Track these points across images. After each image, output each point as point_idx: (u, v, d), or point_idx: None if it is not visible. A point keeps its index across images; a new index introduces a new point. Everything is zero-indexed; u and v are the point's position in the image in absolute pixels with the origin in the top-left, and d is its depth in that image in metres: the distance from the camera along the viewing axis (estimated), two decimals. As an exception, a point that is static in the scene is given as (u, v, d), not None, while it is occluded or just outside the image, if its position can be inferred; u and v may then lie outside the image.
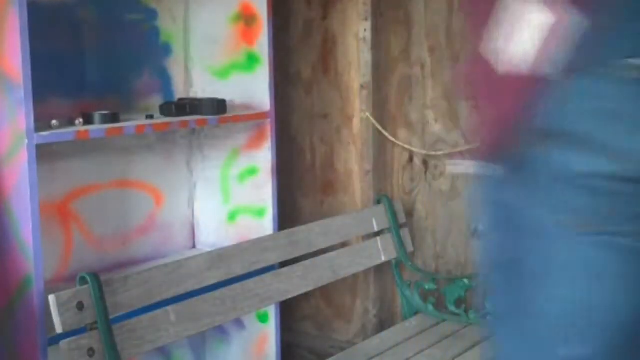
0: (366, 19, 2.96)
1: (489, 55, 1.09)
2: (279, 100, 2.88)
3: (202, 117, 2.59)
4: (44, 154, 2.25)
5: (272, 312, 2.83)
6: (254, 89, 2.80)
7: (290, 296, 2.62)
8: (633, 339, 1.06)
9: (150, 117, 2.49)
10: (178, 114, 2.54)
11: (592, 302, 1.05)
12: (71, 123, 2.30)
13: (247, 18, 2.79)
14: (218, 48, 2.87)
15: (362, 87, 2.99)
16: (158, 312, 2.18)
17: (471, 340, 2.68)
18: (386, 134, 2.99)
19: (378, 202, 2.99)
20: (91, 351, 1.97)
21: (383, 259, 2.94)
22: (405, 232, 3.01)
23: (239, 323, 2.90)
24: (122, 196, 2.74)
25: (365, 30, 2.97)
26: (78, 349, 1.95)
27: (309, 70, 3.16)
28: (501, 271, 1.14)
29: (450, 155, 2.91)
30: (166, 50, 2.87)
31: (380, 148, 3.03)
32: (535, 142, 1.06)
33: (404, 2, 2.97)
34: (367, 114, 2.98)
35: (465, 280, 2.85)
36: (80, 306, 1.96)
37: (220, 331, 2.94)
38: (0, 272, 2.18)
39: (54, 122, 2.21)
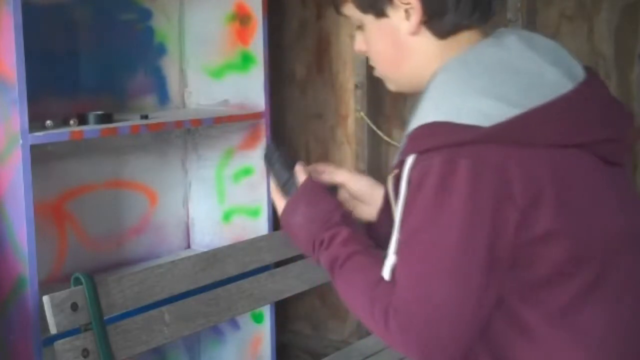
0: (361, 19, 2.96)
1: None
2: (273, 100, 2.88)
3: (197, 118, 2.59)
4: (38, 155, 2.25)
5: (266, 312, 2.83)
6: (249, 88, 2.80)
7: (285, 296, 2.62)
8: None
9: (145, 117, 2.49)
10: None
11: None
12: (65, 123, 2.29)
13: (241, 18, 2.79)
14: (213, 48, 2.87)
15: (356, 86, 2.99)
16: (152, 312, 2.18)
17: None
18: (381, 133, 2.99)
19: (373, 202, 2.98)
20: (85, 352, 1.97)
21: (378, 258, 2.94)
22: (400, 232, 3.00)
23: (233, 323, 2.90)
24: (117, 196, 2.74)
25: (359, 30, 2.96)
26: (72, 350, 1.95)
27: (304, 70, 3.16)
28: None
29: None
30: (161, 50, 2.87)
31: (375, 148, 3.03)
32: None
33: (399, 2, 2.97)
34: (362, 113, 2.98)
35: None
36: (75, 307, 1.95)
37: (215, 331, 2.94)
38: (-6, 272, 2.18)
39: (48, 122, 2.21)
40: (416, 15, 1.33)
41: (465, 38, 1.36)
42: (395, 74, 1.44)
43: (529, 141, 1.22)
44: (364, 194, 1.60)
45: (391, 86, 1.47)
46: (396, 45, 1.38)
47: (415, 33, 1.35)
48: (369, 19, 1.39)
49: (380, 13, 1.37)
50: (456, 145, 1.21)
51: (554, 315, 1.25)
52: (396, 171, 1.32)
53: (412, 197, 1.26)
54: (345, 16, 1.45)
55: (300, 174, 1.53)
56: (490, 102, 1.22)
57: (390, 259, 1.31)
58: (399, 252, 1.29)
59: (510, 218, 1.20)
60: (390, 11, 1.36)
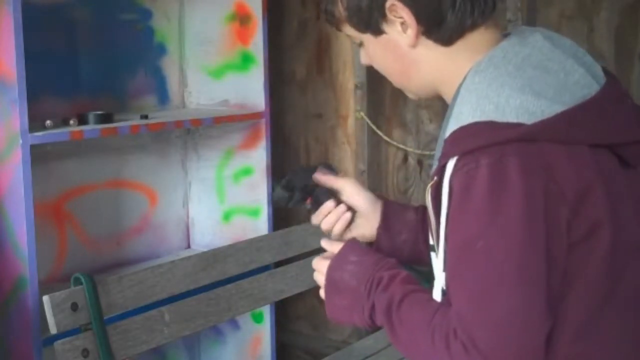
0: (361, 19, 2.95)
1: None
2: (273, 100, 2.88)
3: (197, 117, 2.59)
4: (38, 154, 2.25)
5: (266, 312, 2.82)
6: (249, 88, 2.80)
7: (285, 296, 2.62)
8: None
9: (145, 117, 2.49)
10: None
11: None
12: (65, 123, 2.29)
13: (241, 18, 2.79)
14: (213, 48, 2.87)
15: (356, 86, 2.99)
16: (152, 312, 2.18)
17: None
18: (381, 133, 2.99)
19: (373, 201, 2.98)
20: (85, 352, 1.97)
21: (378, 258, 2.93)
22: (400, 232, 3.00)
23: (233, 323, 2.90)
24: (117, 196, 2.74)
25: (359, 30, 2.96)
26: (72, 350, 1.95)
27: (304, 70, 3.16)
28: None
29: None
30: (161, 50, 2.87)
31: (375, 148, 3.03)
32: None
33: (399, 2, 2.96)
34: (362, 113, 2.98)
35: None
36: (75, 307, 1.96)
37: (215, 331, 2.94)
38: (-6, 272, 2.18)
39: (48, 122, 2.21)
40: (412, 28, 1.30)
41: (478, 39, 1.31)
42: (409, 85, 1.41)
43: (574, 138, 1.19)
44: (364, 210, 1.58)
45: (410, 95, 1.44)
46: (400, 59, 1.35)
47: (414, 45, 1.32)
48: (367, 38, 1.36)
49: (377, 31, 1.34)
50: (502, 143, 1.16)
51: (578, 331, 1.20)
52: (436, 179, 1.25)
53: (459, 204, 1.19)
54: (347, 35, 1.42)
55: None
56: (531, 98, 1.19)
57: (440, 279, 1.25)
58: (449, 267, 1.22)
59: (562, 216, 1.16)
60: (386, 27, 1.33)
